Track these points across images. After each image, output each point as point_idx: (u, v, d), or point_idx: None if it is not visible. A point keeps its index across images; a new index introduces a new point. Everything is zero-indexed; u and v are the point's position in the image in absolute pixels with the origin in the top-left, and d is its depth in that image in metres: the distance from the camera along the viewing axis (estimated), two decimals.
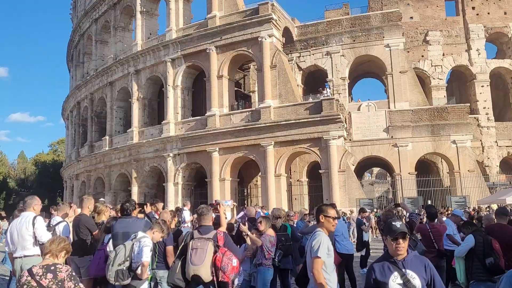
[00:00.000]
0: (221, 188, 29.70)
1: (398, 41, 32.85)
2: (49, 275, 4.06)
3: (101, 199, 19.02)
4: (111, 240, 7.26)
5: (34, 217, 7.44)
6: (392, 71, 32.48)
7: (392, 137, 31.16)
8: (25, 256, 7.37)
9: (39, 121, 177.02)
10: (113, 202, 34.94)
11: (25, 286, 4.00)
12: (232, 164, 30.05)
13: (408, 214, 9.11)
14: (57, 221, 8.86)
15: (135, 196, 33.61)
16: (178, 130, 32.27)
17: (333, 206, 5.75)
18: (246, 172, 33.93)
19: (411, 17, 38.11)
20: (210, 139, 30.21)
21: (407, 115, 31.33)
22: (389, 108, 32.11)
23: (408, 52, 36.33)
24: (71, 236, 8.13)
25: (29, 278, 4.04)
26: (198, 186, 33.59)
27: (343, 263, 9.77)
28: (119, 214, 7.95)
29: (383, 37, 32.86)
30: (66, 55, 54.05)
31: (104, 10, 40.34)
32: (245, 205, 30.18)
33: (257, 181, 33.35)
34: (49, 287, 4.01)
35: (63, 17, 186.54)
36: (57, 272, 4.10)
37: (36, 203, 7.68)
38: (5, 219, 23.68)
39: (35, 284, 4.00)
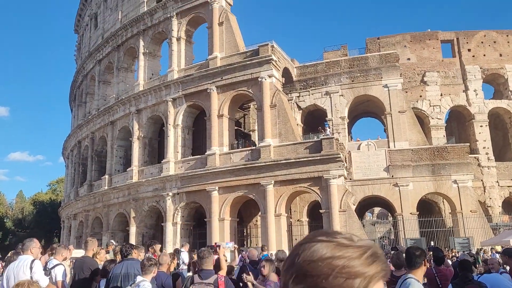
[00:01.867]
0: (221, 228, 29.23)
1: (396, 82, 33.36)
2: None
3: (111, 240, 18.62)
4: (104, 284, 7.05)
5: (32, 261, 7.21)
6: (391, 110, 32.78)
7: (392, 176, 30.99)
8: None
9: (39, 160, 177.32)
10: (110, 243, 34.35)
11: None
12: (231, 203, 29.73)
13: None
14: (54, 264, 8.62)
15: (133, 237, 33.06)
16: (178, 169, 32.18)
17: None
18: (246, 212, 33.54)
19: (408, 59, 38.91)
20: (209, 178, 30.05)
21: (407, 154, 31.31)
22: (389, 147, 32.16)
23: (407, 92, 36.84)
24: (67, 280, 7.90)
25: None
26: (197, 226, 33.09)
27: None
28: (118, 257, 7.79)
29: (381, 77, 33.41)
30: (69, 95, 54.82)
31: (108, 51, 41.29)
32: (245, 246, 29.64)
33: (257, 220, 32.91)
34: None
35: (65, 59, 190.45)
36: None
37: (34, 245, 7.47)
38: (0, 261, 23.08)
39: None
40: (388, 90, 33.05)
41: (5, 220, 74.63)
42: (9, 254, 19.46)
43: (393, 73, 33.38)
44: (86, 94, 45.94)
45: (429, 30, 40.48)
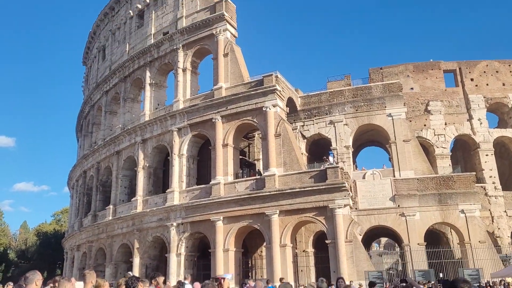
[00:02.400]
0: (225, 259, 28.81)
1: (400, 111, 33.49)
2: None
3: (129, 272, 18.27)
4: None
5: None
6: (395, 139, 32.78)
7: (398, 206, 30.66)
8: None
9: (43, 191, 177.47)
10: (113, 275, 33.92)
11: None
12: (236, 233, 29.42)
13: None
14: None
15: (136, 268, 32.63)
16: (183, 199, 32.06)
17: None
18: (251, 242, 33.11)
19: (412, 88, 39.23)
20: (214, 207, 29.88)
21: (413, 183, 31.07)
22: (394, 176, 31.96)
23: (411, 121, 36.95)
24: None
25: None
26: (201, 257, 32.63)
27: None
28: None
29: (385, 106, 33.58)
30: (76, 126, 55.40)
31: (115, 82, 42.00)
32: (250, 277, 29.07)
33: (261, 251, 32.43)
34: None
35: (72, 90, 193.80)
36: None
37: (38, 278, 7.39)
38: None
39: None
40: (392, 119, 33.16)
41: (8, 252, 74.09)
42: (6, 287, 19.19)
43: (397, 103, 33.56)
44: (92, 124, 46.43)
45: (431, 60, 40.98)
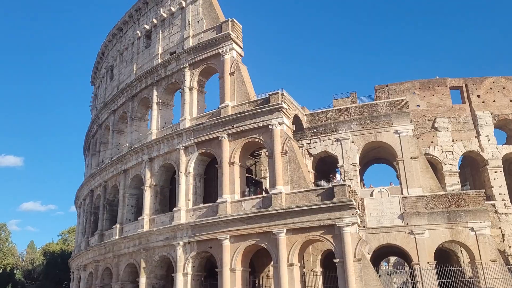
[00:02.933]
0: (232, 279, 28.50)
1: (407, 128, 33.38)
2: None
3: None
4: None
5: None
6: (403, 157, 32.57)
7: (407, 224, 30.28)
8: None
9: (50, 210, 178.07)
10: None
11: None
12: (243, 252, 29.15)
13: None
14: None
15: None
16: (189, 217, 31.93)
17: None
18: (258, 261, 32.77)
19: (418, 105, 39.17)
20: (221, 226, 29.71)
21: (422, 201, 30.73)
22: (402, 194, 31.66)
23: (418, 138, 36.77)
24: None
25: None
26: (208, 276, 32.31)
27: None
28: None
29: (392, 124, 33.51)
30: (84, 145, 55.82)
31: (122, 101, 42.44)
32: None
33: (269, 270, 32.06)
34: None
35: (80, 110, 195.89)
36: None
37: None
38: None
39: None
40: (399, 136, 33.03)
41: (15, 272, 73.98)
42: None
43: (403, 120, 33.48)
44: (100, 143, 46.75)
45: (437, 77, 40.98)
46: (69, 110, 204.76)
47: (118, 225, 37.45)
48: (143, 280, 33.22)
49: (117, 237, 36.77)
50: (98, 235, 40.69)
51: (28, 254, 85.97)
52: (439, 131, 38.34)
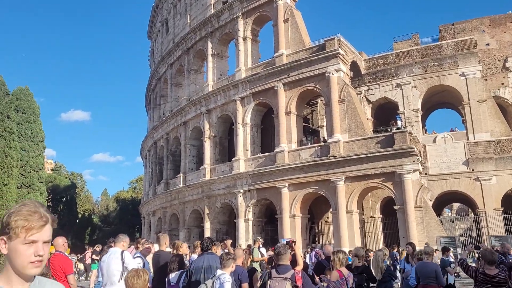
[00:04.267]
0: (292, 225, 29.38)
1: (475, 69, 31.26)
2: None
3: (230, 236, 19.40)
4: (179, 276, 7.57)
5: (122, 252, 7.91)
6: (469, 100, 30.82)
7: (473, 170, 29.18)
8: None
9: (118, 161, 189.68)
10: (187, 238, 35.93)
11: None
12: (302, 200, 29.76)
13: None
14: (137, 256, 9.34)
15: (207, 232, 34.28)
16: (248, 167, 32.79)
17: None
18: (317, 209, 33.37)
19: (487, 44, 36.23)
20: (279, 175, 30.31)
21: (489, 146, 29.29)
22: (467, 139, 30.29)
23: (486, 80, 34.37)
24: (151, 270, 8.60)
25: None
26: (268, 222, 33.53)
27: None
28: (199, 251, 8.34)
29: (458, 65, 31.49)
30: (145, 98, 57.96)
31: (178, 55, 43.08)
32: (317, 242, 29.53)
33: (328, 217, 32.63)
34: None
35: (140, 64, 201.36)
36: None
37: (125, 240, 8.19)
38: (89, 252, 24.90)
39: None
40: (466, 78, 31.07)
41: (92, 217, 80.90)
42: (96, 248, 21.09)
43: (471, 61, 31.30)
44: (160, 96, 48.29)
45: (510, 12, 37.34)
46: (130, 64, 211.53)
47: (181, 175, 39.33)
48: (207, 225, 35.15)
49: (181, 185, 38.75)
50: (164, 183, 43.07)
51: (102, 201, 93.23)
52: (510, 71, 35.50)
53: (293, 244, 7.14)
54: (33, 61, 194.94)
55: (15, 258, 1.97)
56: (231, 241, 11.06)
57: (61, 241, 8.18)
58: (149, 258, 9.45)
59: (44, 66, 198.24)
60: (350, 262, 9.51)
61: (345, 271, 7.26)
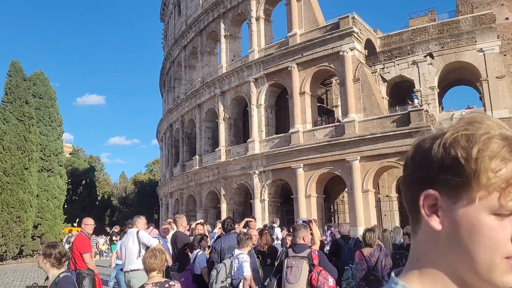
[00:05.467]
0: (307, 205, 29.60)
1: (493, 45, 30.51)
2: None
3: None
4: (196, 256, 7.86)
5: (137, 232, 8.17)
6: (487, 77, 30.18)
7: None
8: (131, 270, 8.11)
9: (135, 144, 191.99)
10: (204, 219, 36.39)
11: None
12: (317, 180, 29.87)
13: None
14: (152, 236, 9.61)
15: (224, 213, 34.75)
16: (263, 148, 32.95)
17: None
18: (332, 188, 33.48)
19: (507, 18, 35.13)
20: (294, 155, 30.40)
21: (508, 123, 28.72)
22: None
23: (505, 55, 33.46)
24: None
25: None
26: (284, 202, 33.81)
27: None
28: (221, 231, 8.62)
29: (475, 41, 30.78)
30: (159, 81, 58.19)
31: (191, 37, 42.97)
32: (332, 222, 29.74)
33: (343, 197, 32.73)
34: None
35: (154, 47, 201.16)
36: None
37: (139, 221, 8.43)
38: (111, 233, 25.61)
39: None
40: (484, 54, 30.38)
41: (111, 199, 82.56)
42: (114, 229, 21.65)
43: (489, 36, 30.53)
44: (174, 79, 48.44)
45: None
46: (143, 47, 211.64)
47: (197, 157, 39.72)
48: (224, 206, 35.62)
49: (197, 167, 39.18)
50: (180, 165, 43.59)
51: (120, 184, 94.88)
52: None
53: (311, 223, 7.27)
54: (46, 46, 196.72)
55: (473, 245, 0.81)
56: (253, 221, 11.47)
57: (89, 221, 8.47)
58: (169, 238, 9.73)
59: (57, 51, 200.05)
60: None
61: (367, 251, 7.10)
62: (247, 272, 6.06)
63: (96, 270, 8.02)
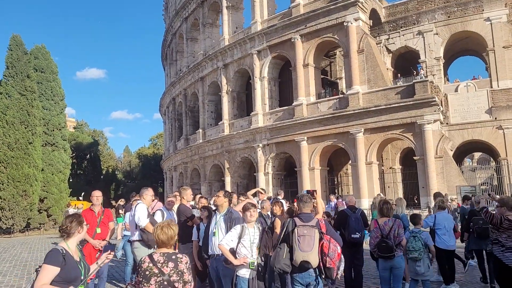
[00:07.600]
0: (311, 177, 29.75)
1: (501, 13, 29.84)
2: (171, 264, 4.05)
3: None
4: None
5: (137, 204, 8.21)
6: (494, 46, 29.65)
7: (496, 118, 28.60)
8: (133, 240, 8.26)
9: (137, 118, 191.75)
10: (208, 192, 36.83)
11: (147, 272, 4.02)
12: (321, 153, 29.90)
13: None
14: (157, 209, 9.66)
15: (228, 186, 35.04)
16: (267, 121, 32.86)
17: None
18: (336, 161, 33.56)
19: None
20: (298, 128, 30.34)
21: None
22: (491, 87, 29.46)
23: None
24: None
25: (151, 264, 4.05)
26: (288, 175, 33.98)
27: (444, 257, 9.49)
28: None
29: (483, 10, 30.10)
30: (161, 54, 57.62)
31: (193, 8, 42.23)
32: (336, 193, 29.93)
33: (347, 169, 32.84)
34: (170, 275, 4.01)
35: (155, 19, 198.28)
36: (178, 262, 4.09)
37: (146, 193, 8.43)
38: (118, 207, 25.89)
39: (156, 271, 4.00)
40: (491, 23, 29.77)
41: (116, 173, 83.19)
42: (120, 202, 21.87)
43: (497, 4, 29.82)
44: (176, 52, 47.92)
45: None
46: (143, 19, 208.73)
47: (200, 130, 39.72)
48: (228, 179, 35.86)
49: (201, 141, 39.24)
50: (184, 139, 43.67)
51: (125, 158, 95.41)
52: None
53: (315, 193, 7.31)
54: (45, 19, 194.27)
55: None
56: (264, 193, 11.70)
57: (95, 193, 8.56)
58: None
59: (55, 24, 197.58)
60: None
61: (382, 220, 7.64)
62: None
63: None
